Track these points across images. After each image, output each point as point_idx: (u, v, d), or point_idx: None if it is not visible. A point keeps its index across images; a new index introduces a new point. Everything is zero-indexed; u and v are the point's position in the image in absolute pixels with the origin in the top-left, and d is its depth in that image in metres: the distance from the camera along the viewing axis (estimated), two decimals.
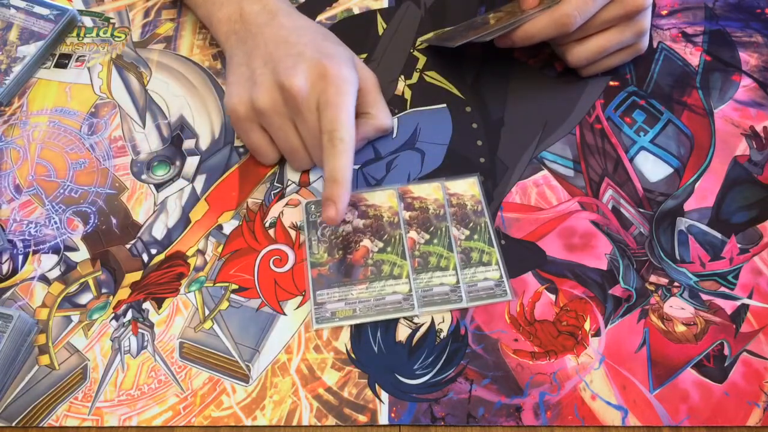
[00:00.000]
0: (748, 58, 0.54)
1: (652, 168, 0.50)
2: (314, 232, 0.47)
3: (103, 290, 0.47)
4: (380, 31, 0.57)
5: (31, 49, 0.56)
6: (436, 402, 0.42)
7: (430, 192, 0.49)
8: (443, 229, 0.47)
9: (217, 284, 0.47)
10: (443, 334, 0.44)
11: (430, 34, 0.57)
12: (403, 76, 0.55)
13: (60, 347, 0.45)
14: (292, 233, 0.48)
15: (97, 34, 0.58)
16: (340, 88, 0.44)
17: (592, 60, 0.51)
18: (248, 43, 0.48)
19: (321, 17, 0.59)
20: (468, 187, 0.49)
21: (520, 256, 0.47)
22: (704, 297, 0.45)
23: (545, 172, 0.50)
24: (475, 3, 0.59)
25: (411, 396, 0.42)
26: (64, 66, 0.57)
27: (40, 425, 0.43)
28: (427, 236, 0.47)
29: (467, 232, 0.47)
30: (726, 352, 0.43)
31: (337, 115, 0.43)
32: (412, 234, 0.47)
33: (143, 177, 0.51)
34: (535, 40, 0.49)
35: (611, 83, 0.53)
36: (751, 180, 0.49)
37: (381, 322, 0.45)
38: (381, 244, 0.47)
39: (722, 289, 0.45)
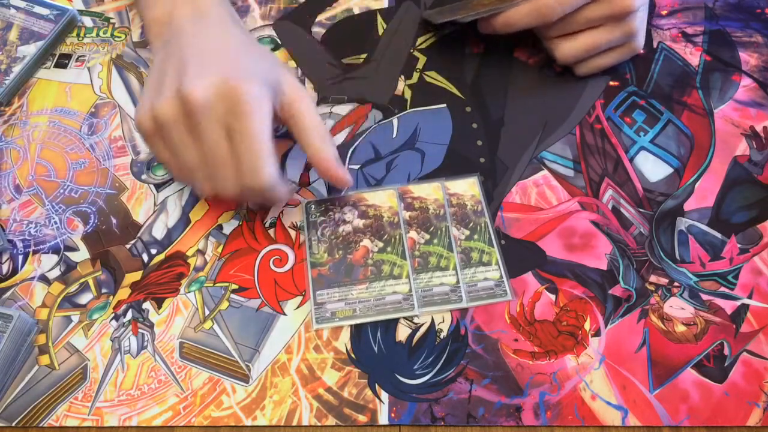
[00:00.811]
0: (748, 58, 0.54)
1: (652, 168, 0.50)
2: (314, 232, 0.47)
3: (103, 290, 0.47)
4: (380, 31, 0.57)
5: (31, 49, 0.56)
6: (436, 402, 0.42)
7: (430, 192, 0.49)
8: (443, 229, 0.47)
9: (217, 284, 0.47)
10: (443, 334, 0.44)
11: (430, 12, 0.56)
12: (403, 76, 0.55)
13: (60, 347, 0.45)
14: (292, 233, 0.48)
15: (97, 34, 0.58)
16: (249, 108, 0.40)
17: (580, 57, 0.51)
18: (168, 48, 0.44)
19: (321, 17, 0.59)
20: (468, 187, 0.49)
21: (520, 256, 0.47)
22: (704, 297, 0.45)
23: (545, 172, 0.50)
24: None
25: (411, 396, 0.42)
26: (64, 66, 0.57)
27: (40, 425, 0.43)
28: (427, 236, 0.47)
29: (467, 232, 0.47)
30: (726, 352, 0.43)
31: (251, 146, 0.40)
32: (412, 234, 0.47)
33: (143, 177, 0.51)
34: (516, 28, 0.48)
35: (611, 83, 0.53)
36: (751, 180, 0.49)
37: (381, 322, 0.45)
38: (381, 244, 0.47)
39: (722, 289, 0.45)
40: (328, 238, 0.47)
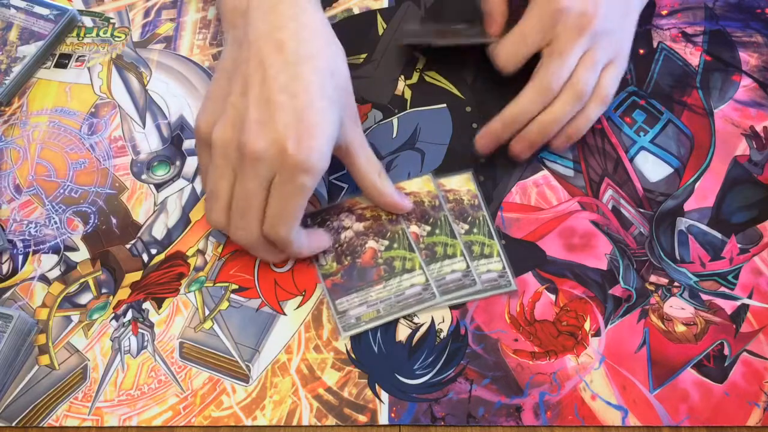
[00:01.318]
0: (748, 58, 0.54)
1: (652, 168, 0.50)
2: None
3: (103, 290, 0.47)
4: (380, 31, 0.57)
5: (31, 49, 0.56)
6: (436, 402, 0.42)
7: (421, 186, 0.49)
8: (442, 218, 0.47)
9: (217, 284, 0.47)
10: (443, 334, 0.44)
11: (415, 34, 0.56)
12: (403, 76, 0.55)
13: (60, 347, 0.45)
14: None
15: (97, 34, 0.58)
16: (298, 181, 0.39)
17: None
18: (240, 50, 0.42)
19: None
20: (463, 183, 0.49)
21: (520, 256, 0.47)
22: (704, 297, 0.45)
23: (545, 172, 0.50)
24: (473, 4, 0.59)
25: (411, 396, 0.42)
26: (64, 66, 0.57)
27: (40, 425, 0.43)
28: (428, 228, 0.47)
29: (466, 227, 0.47)
30: (726, 352, 0.43)
31: (285, 206, 0.40)
32: (413, 228, 0.47)
33: (143, 177, 0.51)
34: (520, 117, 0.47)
35: None
36: (751, 180, 0.49)
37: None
38: (386, 242, 0.47)
39: (722, 289, 0.45)
40: (332, 247, 0.47)
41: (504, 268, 0.45)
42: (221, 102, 0.42)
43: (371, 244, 0.47)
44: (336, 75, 0.42)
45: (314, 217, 0.48)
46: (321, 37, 0.43)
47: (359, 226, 0.47)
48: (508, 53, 0.48)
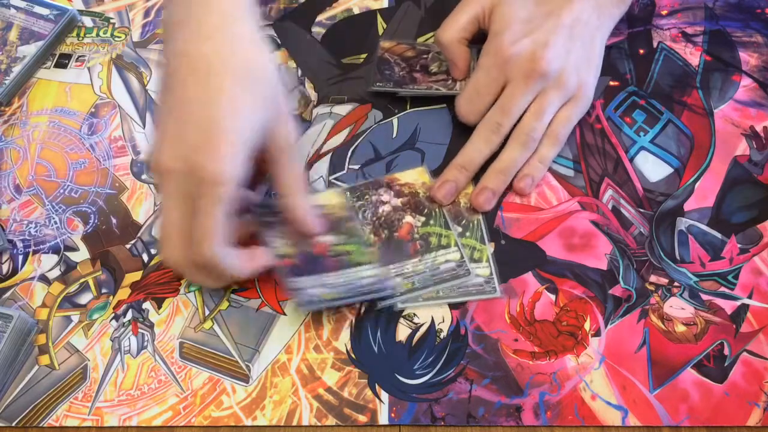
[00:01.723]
0: (748, 58, 0.54)
1: (652, 168, 0.50)
2: (356, 216, 0.47)
3: (103, 290, 0.47)
4: (380, 31, 0.57)
5: (31, 49, 0.56)
6: (436, 402, 0.42)
7: (416, 177, 0.49)
8: (437, 209, 0.48)
9: None
10: (443, 334, 0.44)
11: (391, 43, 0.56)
12: None
13: (60, 347, 0.45)
14: None
15: (97, 34, 0.58)
16: (210, 192, 0.39)
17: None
18: (168, 65, 0.42)
19: (321, 17, 0.59)
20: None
21: (520, 256, 0.47)
22: (704, 297, 0.45)
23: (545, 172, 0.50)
24: None
25: (411, 396, 0.42)
26: (64, 66, 0.57)
27: (40, 425, 0.43)
28: (423, 218, 0.47)
29: (460, 229, 0.47)
30: (726, 352, 0.43)
31: (204, 222, 0.39)
32: (408, 218, 0.47)
33: (143, 177, 0.51)
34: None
35: (611, 83, 0.53)
36: (751, 180, 0.49)
37: (381, 321, 0.45)
38: (423, 218, 0.47)
39: (722, 289, 0.45)
40: (370, 219, 0.47)
41: (491, 274, 0.45)
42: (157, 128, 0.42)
43: (408, 219, 0.47)
44: (259, 83, 0.42)
45: (353, 191, 0.49)
46: (246, 46, 0.42)
47: (397, 202, 0.48)
48: (466, 110, 0.49)
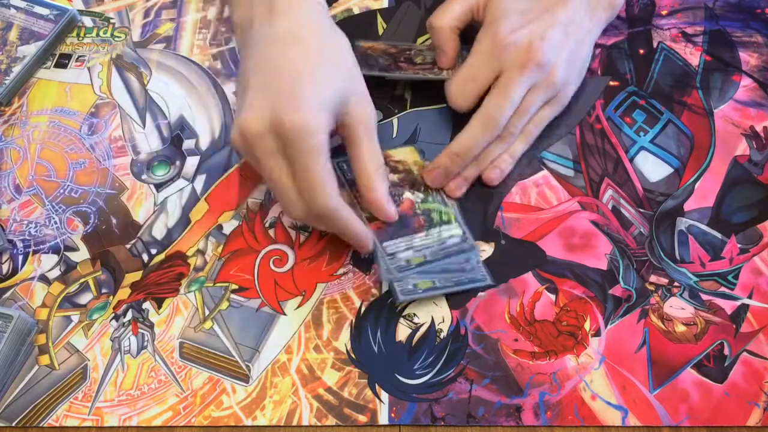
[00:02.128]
0: (748, 58, 0.54)
1: (652, 168, 0.50)
2: (354, 189, 0.47)
3: (103, 290, 0.47)
4: (380, 31, 0.57)
5: (31, 49, 0.56)
6: (436, 402, 0.42)
7: (407, 155, 0.50)
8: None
9: (217, 284, 0.47)
10: (443, 334, 0.44)
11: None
12: None
13: (60, 347, 0.45)
14: (292, 233, 0.48)
15: (97, 34, 0.58)
16: (300, 144, 0.39)
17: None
18: (243, 58, 0.45)
19: None
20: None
21: (520, 256, 0.47)
22: (704, 297, 0.45)
23: (545, 172, 0.50)
24: None
25: (411, 396, 0.42)
26: (64, 66, 0.57)
27: (40, 425, 0.43)
28: (422, 195, 0.48)
29: (422, 196, 0.48)
30: (726, 352, 0.43)
31: (306, 177, 0.40)
32: (407, 194, 0.47)
33: (143, 177, 0.51)
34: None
35: (611, 83, 0.53)
36: (751, 180, 0.49)
37: (381, 321, 0.45)
38: (421, 195, 0.48)
39: (722, 289, 0.45)
40: None
41: (464, 233, 0.46)
42: (238, 109, 0.43)
43: (408, 195, 0.47)
44: (335, 57, 0.43)
45: (350, 164, 0.48)
46: (320, 24, 0.45)
47: (393, 177, 0.48)
48: (458, 93, 0.49)
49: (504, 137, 0.48)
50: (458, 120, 0.52)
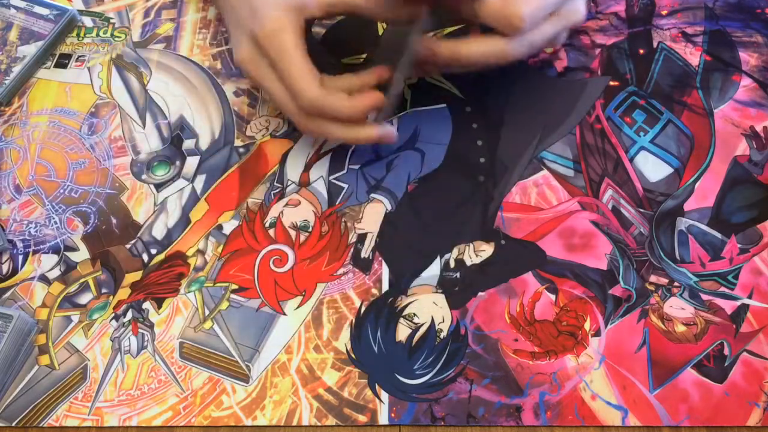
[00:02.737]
0: (748, 58, 0.54)
1: (652, 168, 0.50)
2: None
3: (103, 290, 0.47)
4: (380, 31, 0.57)
5: (31, 49, 0.56)
6: (436, 402, 0.42)
7: None
8: None
9: (217, 284, 0.47)
10: (443, 334, 0.44)
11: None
12: None
13: (60, 347, 0.45)
14: (292, 233, 0.48)
15: (97, 34, 0.58)
16: (276, 46, 0.43)
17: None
18: (222, 16, 0.50)
19: None
20: None
21: (520, 256, 0.47)
22: (704, 297, 0.45)
23: (545, 172, 0.50)
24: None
25: (411, 396, 0.42)
26: (64, 66, 0.57)
27: (40, 425, 0.43)
28: None
29: None
30: (726, 352, 0.43)
31: (289, 74, 0.43)
32: None
33: (143, 177, 0.51)
34: (468, 62, 0.44)
35: (611, 83, 0.53)
36: (751, 180, 0.49)
37: (381, 321, 0.45)
38: None
39: (722, 289, 0.45)
40: None
41: None
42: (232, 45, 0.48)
43: None
44: None
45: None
46: None
47: None
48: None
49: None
50: (458, 120, 0.52)
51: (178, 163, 0.52)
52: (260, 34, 0.44)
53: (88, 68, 0.57)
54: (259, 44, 0.44)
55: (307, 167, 0.51)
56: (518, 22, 0.41)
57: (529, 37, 0.43)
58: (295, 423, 0.42)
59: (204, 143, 0.52)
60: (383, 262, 0.47)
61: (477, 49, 0.43)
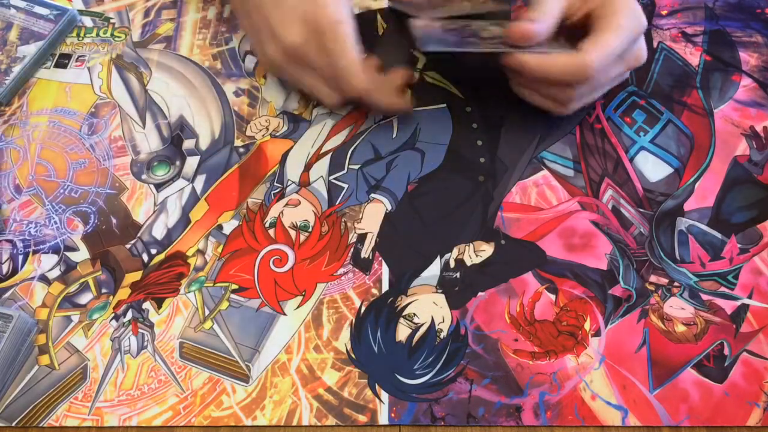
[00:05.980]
0: (748, 58, 0.54)
1: (652, 168, 0.50)
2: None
3: (103, 290, 0.47)
4: (380, 31, 0.57)
5: (31, 49, 0.56)
6: (436, 402, 0.42)
7: None
8: None
9: (217, 284, 0.47)
10: (443, 334, 0.44)
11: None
12: None
13: (60, 347, 0.45)
14: (292, 233, 0.48)
15: (97, 34, 0.58)
16: (336, 34, 0.45)
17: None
18: (247, 5, 0.49)
19: None
20: None
21: (520, 256, 0.47)
22: (704, 297, 0.45)
23: (545, 172, 0.50)
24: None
25: (411, 396, 0.42)
26: (64, 66, 0.57)
27: (40, 425, 0.43)
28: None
29: None
30: (726, 352, 0.43)
31: (346, 67, 0.45)
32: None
33: (143, 177, 0.51)
34: (550, 75, 0.44)
35: None
36: (751, 180, 0.49)
37: (381, 321, 0.45)
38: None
39: (722, 289, 0.45)
40: None
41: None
42: (259, 44, 0.49)
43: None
44: None
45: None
46: None
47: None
48: (601, 68, 0.44)
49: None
50: (458, 120, 0.52)
51: (178, 163, 0.52)
52: (325, 20, 0.45)
53: (88, 68, 0.57)
54: (319, 28, 0.45)
55: (307, 167, 0.51)
56: (590, 72, 0.43)
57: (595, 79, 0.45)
58: (295, 423, 0.42)
59: (204, 143, 0.52)
60: (383, 262, 0.47)
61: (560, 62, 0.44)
